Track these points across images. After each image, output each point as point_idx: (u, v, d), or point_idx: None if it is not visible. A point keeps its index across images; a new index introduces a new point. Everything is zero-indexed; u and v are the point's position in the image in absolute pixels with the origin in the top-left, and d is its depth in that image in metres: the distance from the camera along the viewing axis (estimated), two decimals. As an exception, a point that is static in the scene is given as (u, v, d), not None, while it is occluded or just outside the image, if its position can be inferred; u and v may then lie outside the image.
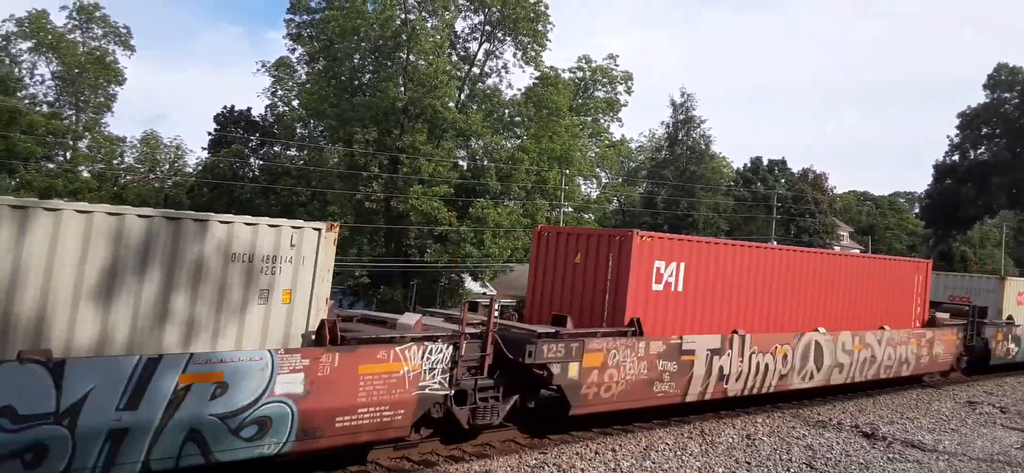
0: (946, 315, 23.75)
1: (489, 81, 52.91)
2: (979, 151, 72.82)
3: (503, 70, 52.65)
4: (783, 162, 74.81)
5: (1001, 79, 71.13)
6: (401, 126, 45.82)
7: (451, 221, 43.37)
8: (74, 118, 61.54)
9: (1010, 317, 26.37)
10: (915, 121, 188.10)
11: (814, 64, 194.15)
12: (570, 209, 54.15)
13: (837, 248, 73.24)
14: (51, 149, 54.68)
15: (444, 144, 46.26)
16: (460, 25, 51.94)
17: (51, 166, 53.43)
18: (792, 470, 12.86)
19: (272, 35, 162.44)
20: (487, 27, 50.99)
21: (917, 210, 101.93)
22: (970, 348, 24.86)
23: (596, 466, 12.09)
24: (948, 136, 74.47)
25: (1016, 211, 77.91)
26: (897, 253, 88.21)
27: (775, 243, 59.39)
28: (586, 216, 59.00)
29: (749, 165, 74.81)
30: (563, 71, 53.67)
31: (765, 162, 74.45)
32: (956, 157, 73.55)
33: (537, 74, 51.20)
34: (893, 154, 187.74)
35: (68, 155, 57.02)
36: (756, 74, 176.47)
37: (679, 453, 13.28)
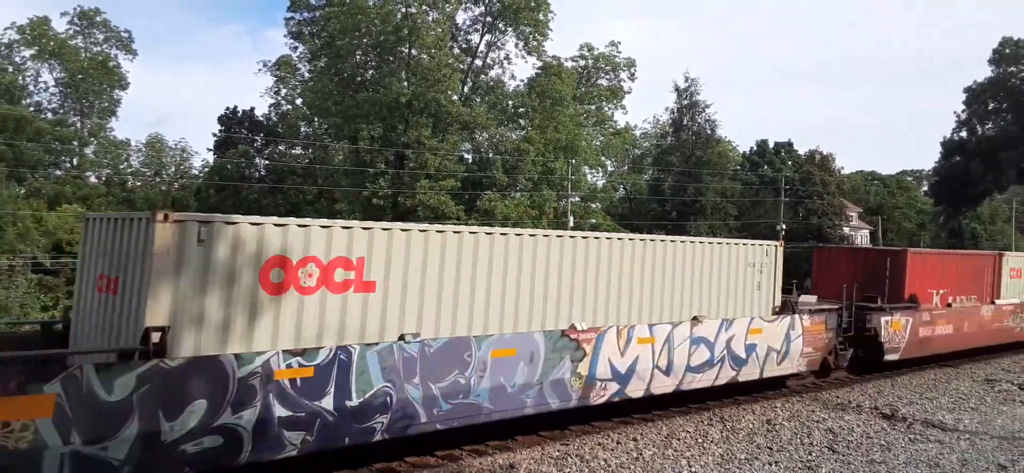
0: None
1: (492, 73, 52.87)
2: (987, 127, 72.20)
3: (505, 61, 52.62)
4: (789, 144, 74.42)
5: (1007, 53, 70.52)
6: (406, 121, 45.78)
7: (459, 214, 43.34)
8: (79, 124, 61.70)
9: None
10: (921, 98, 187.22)
11: (817, 44, 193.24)
12: (578, 199, 54.05)
13: (846, 229, 73.00)
14: (58, 155, 54.83)
15: (449, 138, 46.21)
16: (461, 17, 51.86)
17: (59, 172, 53.59)
18: (813, 453, 12.81)
19: (272, 33, 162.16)
20: (488, 18, 50.87)
21: (925, 188, 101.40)
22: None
23: (619, 455, 12.06)
24: (955, 112, 73.83)
25: (1025, 186, 77.48)
26: (907, 232, 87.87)
27: (783, 226, 59.17)
28: (593, 205, 58.89)
29: (755, 149, 74.48)
30: (565, 60, 53.57)
31: (771, 145, 74.12)
32: (963, 133, 72.92)
33: (539, 64, 51.10)
34: (900, 133, 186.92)
35: (75, 161, 57.16)
36: (760, 57, 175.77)
37: (700, 440, 13.23)
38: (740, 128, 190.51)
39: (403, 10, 46.94)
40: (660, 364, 14.52)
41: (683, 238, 16.17)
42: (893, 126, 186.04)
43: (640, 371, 14.17)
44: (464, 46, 52.45)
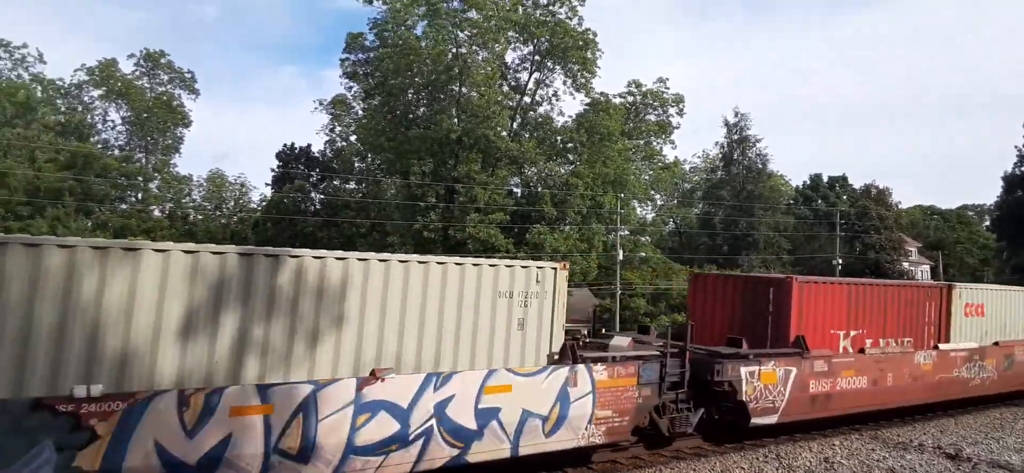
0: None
1: (540, 109, 53.28)
2: (1050, 159, 69.73)
3: (553, 98, 53.00)
4: (844, 178, 73.11)
5: (1072, 84, 68.32)
6: (456, 156, 46.43)
7: (508, 248, 43.59)
8: (144, 160, 64.12)
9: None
10: (981, 132, 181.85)
11: (871, 78, 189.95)
12: (627, 232, 53.86)
13: (905, 264, 71.04)
14: (124, 190, 56.97)
15: (498, 172, 46.66)
16: (510, 56, 52.55)
17: (124, 206, 55.67)
18: (874, 493, 12.50)
19: (327, 73, 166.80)
20: (537, 57, 51.44)
21: (988, 223, 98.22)
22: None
23: (672, 491, 11.97)
24: (1016, 146, 71.77)
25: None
26: (969, 268, 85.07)
27: (839, 261, 57.93)
28: (643, 239, 58.55)
29: (809, 182, 73.30)
30: (614, 96, 53.72)
31: (825, 179, 72.85)
32: (1026, 167, 70.62)
33: (588, 100, 51.35)
34: (960, 167, 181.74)
35: (140, 195, 59.36)
36: (811, 92, 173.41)
37: (755, 477, 13.04)
38: (792, 163, 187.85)
39: (454, 50, 47.86)
40: (285, 446, 9.51)
41: (383, 256, 11.47)
42: (952, 160, 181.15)
43: (235, 458, 9.16)
44: (513, 84, 53.09)
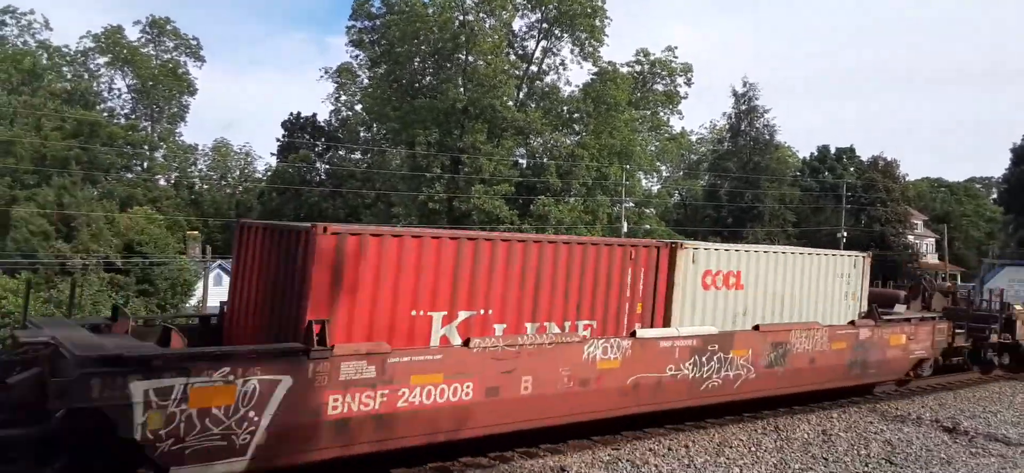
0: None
1: (547, 78, 53.15)
2: (1061, 132, 69.43)
3: (561, 67, 52.84)
4: (851, 150, 72.73)
5: (1085, 56, 67.70)
6: (462, 126, 46.42)
7: (513, 219, 43.71)
8: (150, 128, 64.26)
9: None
10: (991, 103, 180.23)
11: (882, 48, 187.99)
12: (632, 204, 53.90)
13: (911, 237, 70.93)
14: (129, 159, 57.22)
15: (504, 143, 46.66)
16: (517, 24, 52.30)
17: (130, 175, 55.96)
18: (870, 465, 12.66)
19: (333, 40, 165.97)
20: (544, 25, 51.18)
21: (995, 196, 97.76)
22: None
23: (670, 462, 12.15)
24: (1027, 118, 71.18)
25: (1103, 194, 73.89)
26: (975, 241, 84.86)
27: (844, 234, 57.83)
28: (648, 211, 58.59)
29: (816, 154, 73.01)
30: (621, 65, 53.50)
31: (833, 150, 72.54)
32: (1035, 139, 70.23)
33: (595, 70, 51.14)
34: (968, 138, 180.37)
35: (146, 164, 59.60)
36: (822, 61, 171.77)
37: (753, 449, 13.20)
38: (800, 133, 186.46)
39: (461, 18, 47.65)
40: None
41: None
42: (961, 132, 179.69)
43: None
44: (520, 52, 52.89)
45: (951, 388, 20.15)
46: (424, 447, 10.78)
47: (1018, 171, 69.83)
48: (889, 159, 69.92)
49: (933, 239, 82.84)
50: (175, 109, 66.57)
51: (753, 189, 63.04)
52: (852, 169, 70.42)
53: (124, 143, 55.60)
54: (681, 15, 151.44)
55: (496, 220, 43.17)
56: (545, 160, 48.14)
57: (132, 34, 65.04)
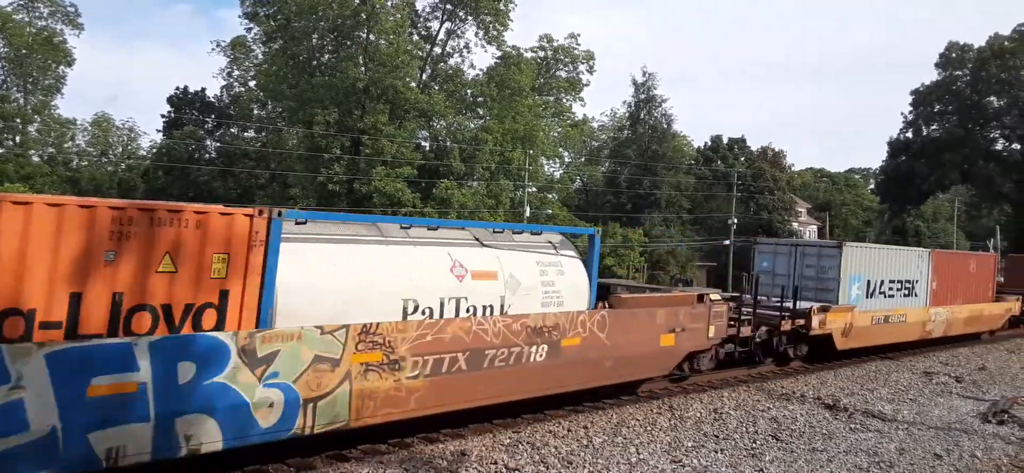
0: None
1: (451, 61, 52.59)
2: (932, 128, 74.61)
3: (465, 50, 52.37)
4: (742, 140, 75.80)
5: (952, 57, 72.92)
6: (362, 107, 45.31)
7: (415, 202, 43.11)
8: (23, 101, 59.64)
9: None
10: (869, 98, 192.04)
11: (773, 42, 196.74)
12: (534, 189, 54.20)
13: (795, 224, 74.71)
14: (0, 133, 52.95)
15: (406, 125, 45.90)
16: (421, 4, 51.48)
17: (1, 150, 51.78)
18: (758, 441, 13.09)
19: (225, 13, 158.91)
20: (449, 6, 50.55)
21: (872, 186, 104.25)
22: None
23: (569, 443, 12.16)
24: (902, 113, 76.40)
25: (967, 186, 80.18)
26: (854, 228, 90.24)
27: (734, 220, 60.16)
28: (550, 196, 59.13)
29: (710, 144, 75.66)
30: (525, 50, 53.57)
31: (725, 141, 75.35)
32: (909, 134, 75.25)
33: (499, 54, 51.00)
34: (849, 132, 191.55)
35: (17, 139, 55.28)
36: (717, 53, 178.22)
37: (649, 428, 13.41)
38: (695, 123, 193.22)
39: (361, -6, 46.44)
40: None
41: None
42: (843, 125, 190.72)
43: None
44: (423, 33, 52.08)
45: (833, 366, 21.18)
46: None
47: (894, 163, 74.70)
48: (777, 150, 73.38)
49: (816, 226, 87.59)
50: (51, 80, 61.95)
51: (651, 176, 64.68)
52: (743, 159, 73.37)
53: (-8, 115, 51.41)
54: (575, 6, 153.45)
55: (398, 203, 42.47)
56: (448, 143, 47.69)
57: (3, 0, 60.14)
